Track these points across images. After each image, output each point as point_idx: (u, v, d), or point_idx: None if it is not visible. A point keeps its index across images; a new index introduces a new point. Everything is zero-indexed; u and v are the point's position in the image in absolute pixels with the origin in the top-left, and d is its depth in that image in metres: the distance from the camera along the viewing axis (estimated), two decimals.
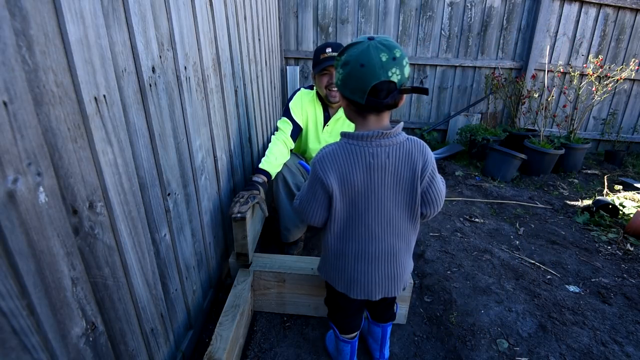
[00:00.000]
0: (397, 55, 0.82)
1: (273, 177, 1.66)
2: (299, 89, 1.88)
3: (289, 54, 4.14)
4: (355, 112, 0.93)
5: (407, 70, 0.85)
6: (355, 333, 1.21)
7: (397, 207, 0.96)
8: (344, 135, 0.94)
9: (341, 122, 1.86)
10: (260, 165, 1.63)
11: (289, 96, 1.90)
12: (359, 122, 0.94)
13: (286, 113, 1.82)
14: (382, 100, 0.84)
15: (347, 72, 0.85)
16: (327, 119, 1.85)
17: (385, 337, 1.27)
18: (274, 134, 1.80)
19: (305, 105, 1.83)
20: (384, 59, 0.81)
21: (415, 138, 0.93)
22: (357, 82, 0.84)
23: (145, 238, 0.92)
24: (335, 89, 1.70)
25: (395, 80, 0.83)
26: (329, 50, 1.65)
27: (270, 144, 1.74)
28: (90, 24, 0.69)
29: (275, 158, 1.68)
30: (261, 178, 1.58)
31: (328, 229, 1.01)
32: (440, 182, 0.98)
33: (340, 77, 0.89)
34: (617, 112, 4.52)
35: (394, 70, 0.82)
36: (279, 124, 1.81)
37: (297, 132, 1.82)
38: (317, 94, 1.84)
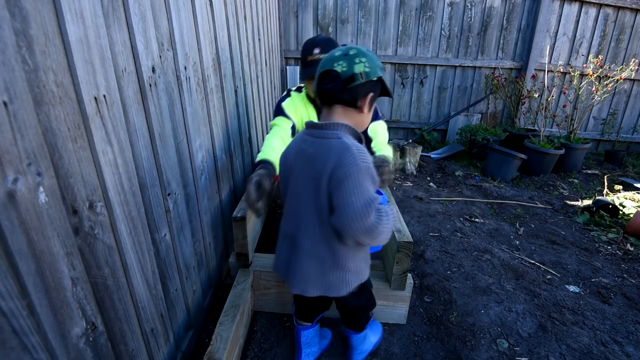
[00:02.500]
0: (351, 53, 0.90)
1: (275, 163, 1.37)
2: (288, 94, 1.72)
3: (289, 54, 4.14)
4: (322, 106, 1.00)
5: (358, 66, 0.88)
6: (308, 323, 1.24)
7: (307, 201, 0.94)
8: None
9: None
10: (257, 159, 1.40)
11: (277, 100, 1.75)
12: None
13: (280, 112, 1.66)
14: (324, 86, 0.92)
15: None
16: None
17: (351, 344, 1.26)
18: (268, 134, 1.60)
19: (298, 108, 1.70)
20: (336, 54, 0.91)
21: (347, 142, 0.87)
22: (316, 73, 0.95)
23: (145, 238, 0.92)
24: None
25: (339, 71, 0.89)
26: (316, 51, 1.51)
27: (265, 142, 1.52)
28: (90, 24, 0.69)
29: (273, 149, 1.44)
30: (261, 169, 1.31)
31: None
32: (352, 195, 0.82)
33: None
34: (617, 112, 4.52)
35: (340, 62, 0.89)
36: (275, 122, 1.64)
37: (294, 130, 1.67)
38: (307, 95, 1.71)
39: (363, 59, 0.89)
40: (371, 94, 0.92)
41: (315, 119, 1.73)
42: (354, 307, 1.18)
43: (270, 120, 1.81)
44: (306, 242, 0.97)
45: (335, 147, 0.87)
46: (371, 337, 1.31)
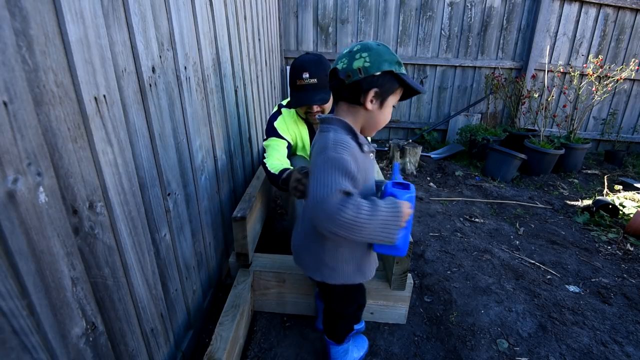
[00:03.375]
0: (355, 49, 0.89)
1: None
2: (279, 112, 1.68)
3: (289, 54, 4.14)
4: None
5: (357, 62, 0.86)
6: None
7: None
8: None
9: None
10: (277, 171, 1.42)
11: (269, 117, 1.69)
12: None
13: (273, 133, 1.63)
14: (330, 83, 0.94)
15: None
16: (313, 137, 1.61)
17: (329, 357, 1.22)
18: (263, 157, 1.58)
19: (290, 127, 1.66)
20: (344, 51, 0.91)
21: (329, 136, 0.88)
22: None
23: (145, 238, 0.92)
24: (315, 111, 1.56)
25: (339, 68, 0.89)
26: (305, 75, 1.44)
27: (268, 164, 1.52)
28: (90, 24, 0.69)
29: (281, 165, 1.48)
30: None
31: None
32: (314, 184, 0.81)
33: None
34: (617, 112, 4.53)
35: (343, 59, 0.89)
36: (269, 142, 1.62)
37: (290, 148, 1.66)
38: (297, 111, 1.68)
39: (364, 54, 0.86)
40: (374, 89, 0.88)
41: (307, 135, 1.71)
42: (335, 310, 1.14)
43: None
44: (305, 218, 1.07)
45: (320, 141, 0.89)
46: (354, 353, 1.25)
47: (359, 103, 0.91)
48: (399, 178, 0.95)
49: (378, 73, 0.86)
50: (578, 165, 3.75)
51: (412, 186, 0.92)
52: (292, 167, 1.42)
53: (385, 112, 0.93)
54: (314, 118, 1.58)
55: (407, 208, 0.85)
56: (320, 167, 0.82)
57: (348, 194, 0.78)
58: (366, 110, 0.91)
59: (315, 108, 1.54)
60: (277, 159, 1.54)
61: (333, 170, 0.81)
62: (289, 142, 1.64)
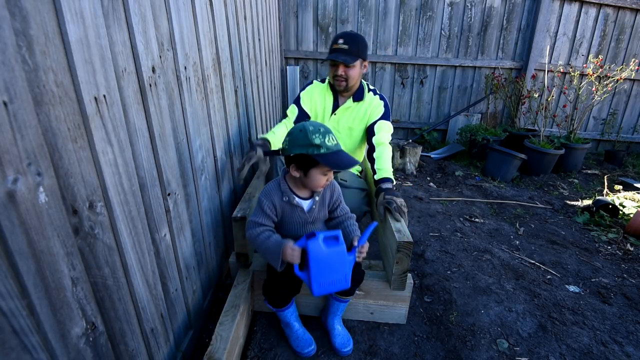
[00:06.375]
0: (288, 132, 1.16)
1: (272, 146, 1.69)
2: (310, 82, 1.94)
3: (289, 54, 4.14)
4: None
5: (283, 143, 1.14)
6: None
7: None
8: None
9: (349, 112, 1.86)
10: (260, 136, 1.71)
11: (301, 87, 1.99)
12: None
13: (296, 100, 1.90)
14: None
15: None
16: (335, 107, 1.87)
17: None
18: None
19: (314, 96, 1.89)
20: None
21: (271, 182, 1.24)
22: None
23: (145, 238, 0.92)
24: (341, 78, 1.73)
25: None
26: (341, 41, 1.69)
27: (274, 127, 1.82)
28: (90, 24, 0.69)
29: (274, 133, 1.74)
30: (260, 141, 1.63)
31: None
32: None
33: None
34: (617, 112, 4.52)
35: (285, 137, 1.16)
36: (289, 109, 1.90)
37: (302, 119, 1.88)
38: (330, 84, 1.88)
39: (286, 138, 1.11)
40: (293, 164, 1.12)
41: (330, 109, 1.92)
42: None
43: (271, 120, 1.89)
44: None
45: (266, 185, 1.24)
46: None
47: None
48: (339, 234, 1.10)
49: (292, 155, 1.09)
50: (578, 165, 3.75)
51: (334, 244, 1.08)
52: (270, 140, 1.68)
53: (311, 178, 1.12)
54: (339, 84, 1.76)
55: (289, 250, 1.07)
56: (257, 201, 1.21)
57: (255, 223, 1.17)
58: (295, 176, 1.13)
59: (340, 71, 1.71)
60: (284, 127, 1.80)
61: (257, 206, 1.20)
62: (303, 112, 1.87)
